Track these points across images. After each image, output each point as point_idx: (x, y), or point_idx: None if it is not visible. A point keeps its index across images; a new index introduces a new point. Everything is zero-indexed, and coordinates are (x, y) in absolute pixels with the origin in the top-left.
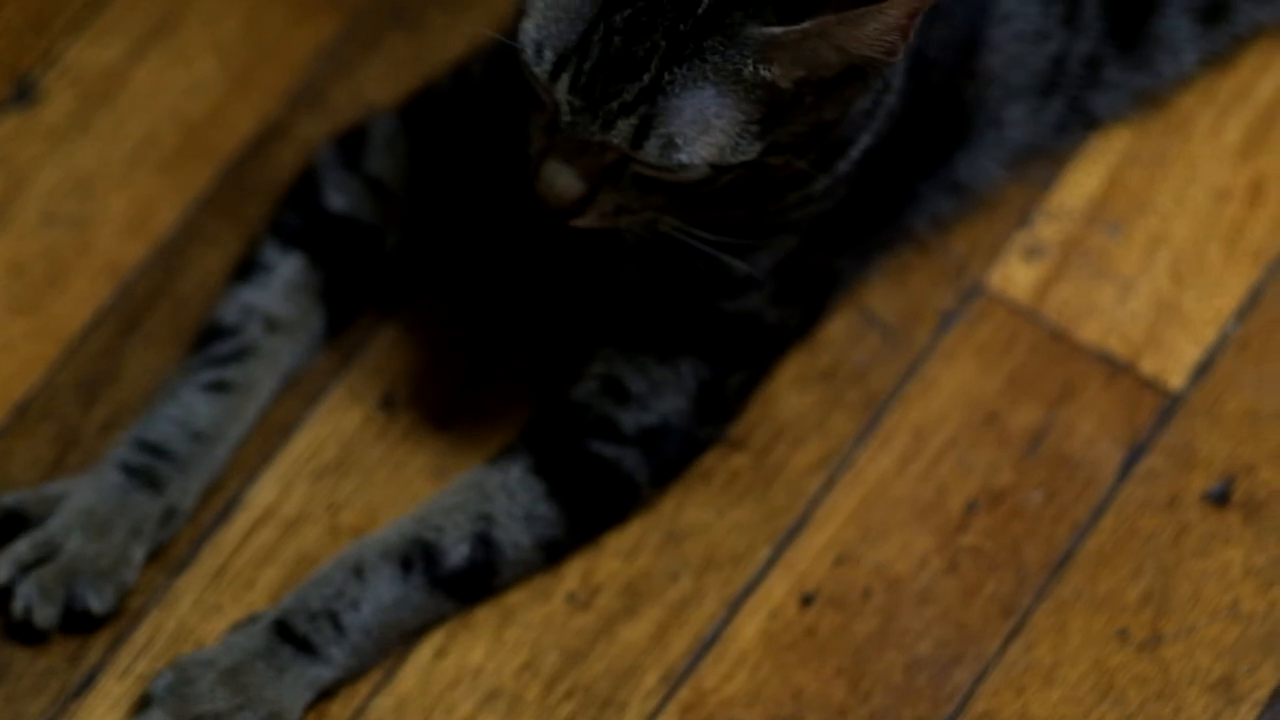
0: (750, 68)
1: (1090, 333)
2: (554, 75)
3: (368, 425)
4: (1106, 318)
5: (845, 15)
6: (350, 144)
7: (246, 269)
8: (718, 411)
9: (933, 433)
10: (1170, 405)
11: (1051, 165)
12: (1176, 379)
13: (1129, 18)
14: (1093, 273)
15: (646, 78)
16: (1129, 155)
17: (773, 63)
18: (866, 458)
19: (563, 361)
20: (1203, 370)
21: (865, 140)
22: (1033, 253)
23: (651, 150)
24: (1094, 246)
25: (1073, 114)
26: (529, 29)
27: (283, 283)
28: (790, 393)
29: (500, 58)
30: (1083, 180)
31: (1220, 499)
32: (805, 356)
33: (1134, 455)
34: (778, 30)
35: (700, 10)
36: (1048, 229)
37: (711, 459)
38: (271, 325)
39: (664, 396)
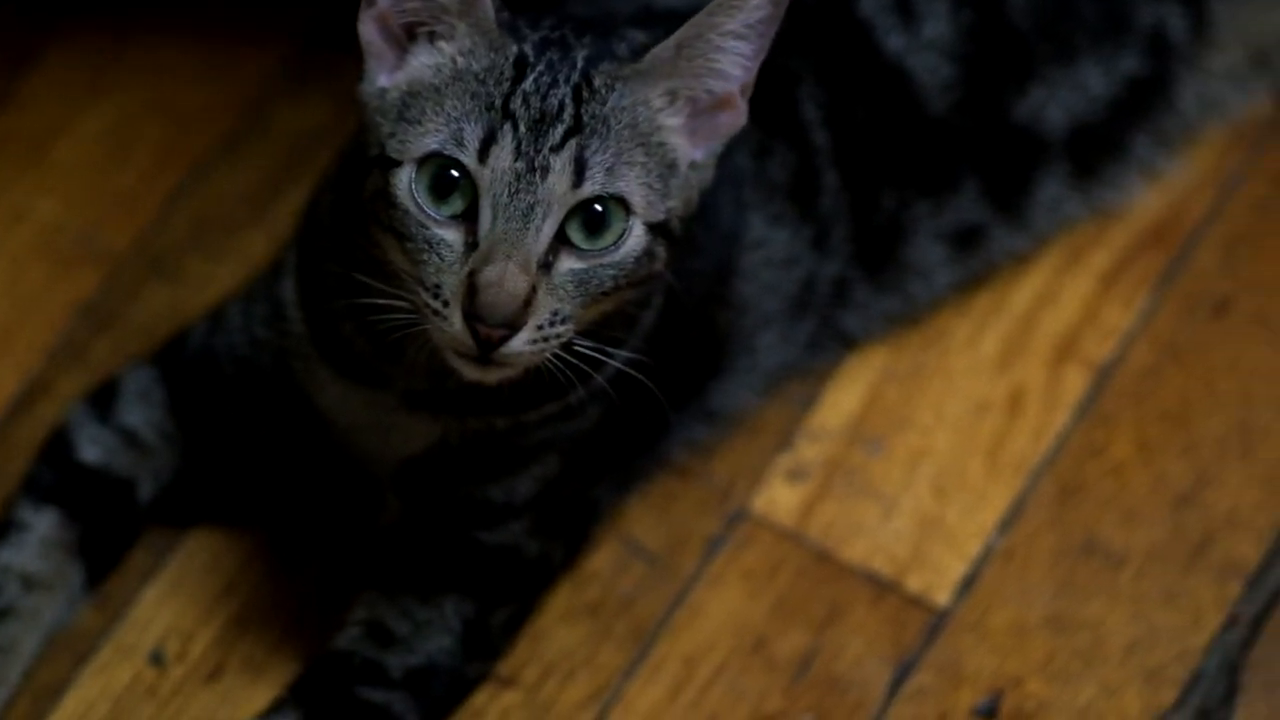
0: (642, 109)
1: (855, 553)
2: (483, 154)
3: (137, 682)
4: (871, 537)
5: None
6: (102, 397)
7: (2, 529)
8: (485, 648)
9: (702, 660)
10: (937, 621)
11: (810, 385)
12: (942, 595)
13: (877, 243)
14: (855, 492)
15: (568, 116)
16: (886, 372)
17: (649, 99)
18: (637, 690)
19: (331, 606)
20: (968, 585)
21: (627, 350)
22: (795, 475)
23: (593, 182)
24: (856, 465)
25: (824, 332)
26: (427, 142)
27: (38, 540)
28: (559, 627)
29: (260, 299)
30: (842, 399)
31: (989, 714)
32: (572, 589)
33: (902, 673)
34: (632, 65)
35: (579, 64)
36: (809, 450)
37: (483, 697)
38: (28, 584)
39: (429, 637)
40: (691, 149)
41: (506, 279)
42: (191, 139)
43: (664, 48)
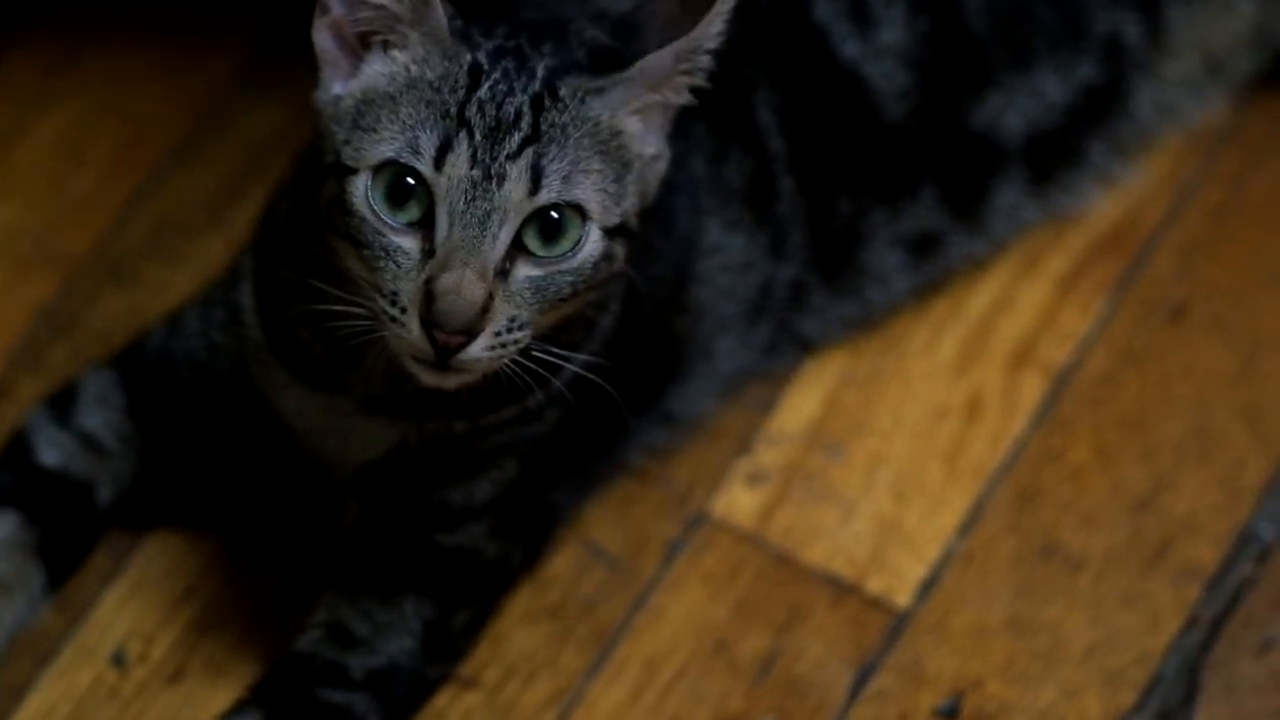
0: (607, 116)
1: (815, 555)
2: (439, 161)
3: (99, 684)
4: (831, 540)
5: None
6: (61, 400)
7: None
8: (446, 650)
9: (663, 663)
10: (898, 624)
11: (769, 389)
12: (903, 597)
13: (834, 248)
14: (815, 496)
15: (525, 125)
16: (845, 376)
17: (619, 109)
18: (598, 691)
19: (292, 608)
20: (928, 587)
21: (585, 354)
22: (755, 479)
23: (549, 190)
24: (815, 469)
25: (782, 336)
26: (383, 149)
27: None
28: (520, 629)
29: (218, 304)
30: (801, 404)
31: (950, 715)
32: (533, 592)
33: (864, 675)
34: (615, 75)
35: (540, 74)
36: (768, 454)
37: (444, 699)
38: None
39: (389, 638)
40: (645, 142)
41: (464, 286)
42: (148, 144)
43: (659, 58)
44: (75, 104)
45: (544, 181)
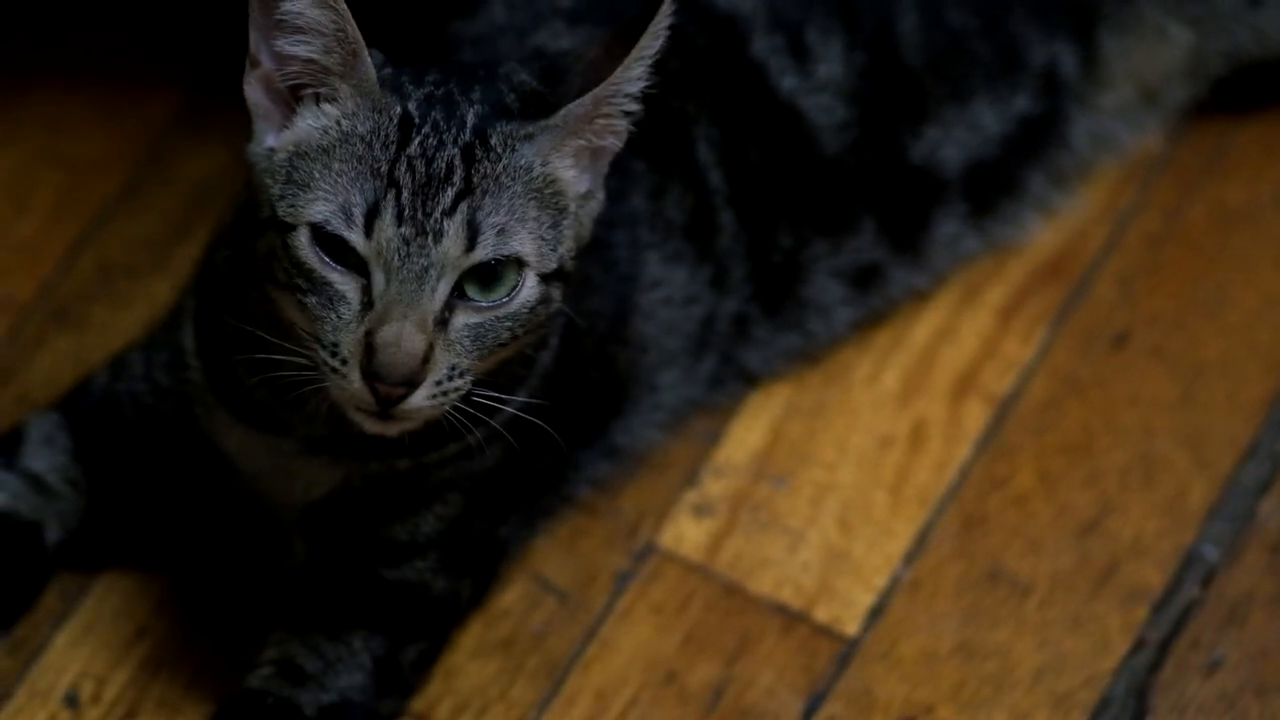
0: (539, 163)
1: (764, 585)
2: (369, 227)
3: None
4: (778, 569)
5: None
6: (7, 443)
7: None
8: (397, 685)
9: (614, 695)
10: (847, 651)
11: (715, 421)
12: (851, 625)
13: (776, 281)
14: (762, 526)
15: (458, 179)
16: (790, 408)
17: (549, 155)
18: None
19: (243, 646)
20: (876, 615)
21: (523, 393)
22: (702, 510)
23: (485, 246)
24: (762, 500)
25: (726, 369)
26: (315, 210)
27: None
28: (471, 663)
29: (160, 346)
30: (746, 436)
31: None
32: (483, 626)
33: (814, 703)
34: (541, 122)
35: (470, 123)
36: (715, 486)
37: None
38: None
39: (340, 673)
40: (579, 183)
41: (404, 339)
42: (92, 187)
43: (580, 104)
44: (16, 151)
45: (480, 238)
